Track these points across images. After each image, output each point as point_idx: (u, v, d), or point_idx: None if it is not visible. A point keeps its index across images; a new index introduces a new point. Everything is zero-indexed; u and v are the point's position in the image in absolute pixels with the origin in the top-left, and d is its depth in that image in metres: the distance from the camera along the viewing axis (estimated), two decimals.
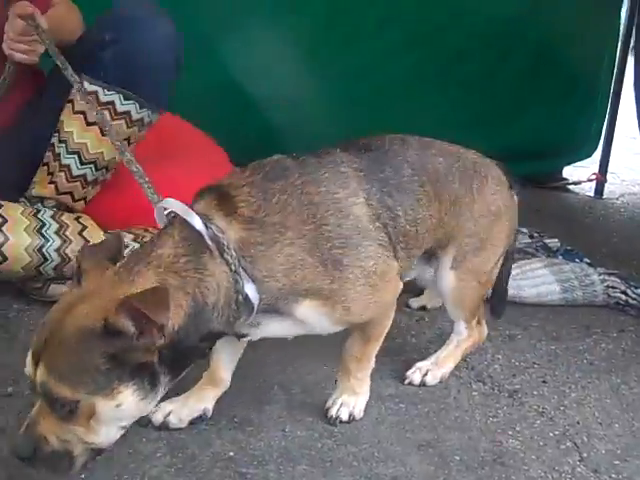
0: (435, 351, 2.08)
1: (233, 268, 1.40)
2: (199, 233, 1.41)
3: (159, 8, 2.24)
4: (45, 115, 2.28)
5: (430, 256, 1.85)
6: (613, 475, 1.60)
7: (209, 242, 1.40)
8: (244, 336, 1.55)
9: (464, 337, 1.98)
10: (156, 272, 1.36)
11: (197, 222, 1.41)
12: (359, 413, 1.73)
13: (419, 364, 1.97)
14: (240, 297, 1.42)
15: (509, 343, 2.20)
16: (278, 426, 1.69)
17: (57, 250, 2.14)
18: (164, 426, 1.64)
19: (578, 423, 1.79)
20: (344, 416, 1.72)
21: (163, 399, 1.64)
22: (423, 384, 1.92)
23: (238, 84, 3.36)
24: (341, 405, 1.73)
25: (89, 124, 2.19)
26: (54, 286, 2.20)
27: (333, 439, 1.65)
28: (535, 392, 1.93)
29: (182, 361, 1.40)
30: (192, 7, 3.01)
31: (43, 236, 2.12)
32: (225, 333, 1.47)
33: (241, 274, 1.41)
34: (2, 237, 2.05)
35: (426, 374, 1.93)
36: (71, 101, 2.21)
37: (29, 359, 1.32)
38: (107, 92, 2.17)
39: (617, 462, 1.64)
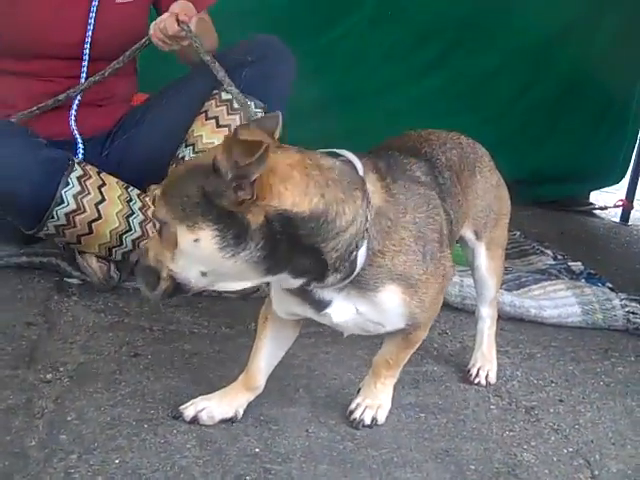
0: (457, 363, 2.16)
1: (367, 225, 1.46)
2: (361, 179, 1.47)
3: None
4: (153, 125, 2.55)
5: None
6: None
7: (366, 188, 1.46)
8: (324, 307, 1.55)
9: (490, 323, 2.11)
10: (305, 159, 1.42)
11: (360, 169, 1.48)
12: (382, 418, 1.79)
13: (476, 364, 2.08)
14: (354, 253, 1.46)
15: (528, 361, 2.26)
16: (302, 426, 1.75)
17: (140, 224, 2.32)
18: (194, 421, 1.70)
19: (592, 442, 1.84)
20: (367, 419, 1.78)
21: (196, 395, 1.76)
22: (489, 384, 2.05)
23: None
24: (365, 408, 1.79)
25: (219, 126, 2.39)
26: (86, 256, 2.35)
27: (355, 442, 1.71)
28: (551, 410, 1.98)
29: (282, 254, 1.41)
30: None
31: (130, 208, 2.31)
32: (313, 274, 1.47)
33: (367, 235, 1.47)
34: (100, 197, 2.24)
35: (487, 375, 2.06)
36: (204, 112, 2.43)
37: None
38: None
39: None
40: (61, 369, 1.88)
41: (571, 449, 1.80)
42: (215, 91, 2.43)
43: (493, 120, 3.81)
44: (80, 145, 2.48)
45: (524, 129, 3.90)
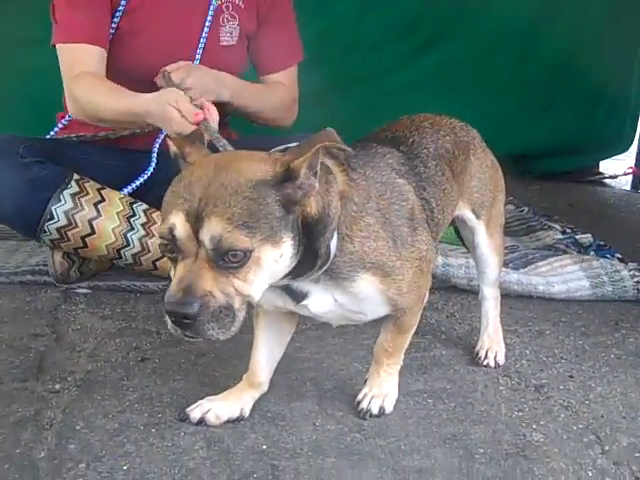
0: (465, 346, 2.17)
1: (337, 211, 1.47)
2: (327, 166, 1.47)
3: None
4: None
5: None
6: (634, 467, 1.63)
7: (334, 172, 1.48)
8: (302, 298, 1.56)
9: (494, 304, 2.12)
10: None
11: (331, 164, 1.50)
12: (389, 407, 1.80)
13: (483, 346, 2.09)
14: (329, 241, 1.47)
15: (538, 339, 2.25)
16: (309, 420, 1.76)
17: (140, 239, 2.36)
18: (201, 422, 1.71)
19: (602, 417, 1.83)
20: (375, 409, 1.78)
21: (203, 396, 1.78)
22: (497, 365, 2.06)
23: None
24: (372, 398, 1.80)
25: None
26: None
27: (362, 433, 1.72)
28: (561, 387, 1.97)
29: (302, 256, 1.42)
30: None
31: (130, 224, 2.34)
32: (311, 269, 1.47)
33: (336, 219, 1.47)
34: (95, 213, 2.30)
35: (496, 356, 2.07)
36: None
37: (181, 220, 1.33)
38: None
39: (638, 454, 1.68)
40: (69, 378, 1.90)
41: (581, 425, 1.79)
42: None
43: (493, 97, 3.79)
44: (154, 159, 2.50)
45: (524, 103, 3.88)
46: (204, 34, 2.48)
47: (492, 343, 2.09)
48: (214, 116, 2.04)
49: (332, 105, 3.54)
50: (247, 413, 1.75)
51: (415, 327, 1.78)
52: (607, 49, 3.93)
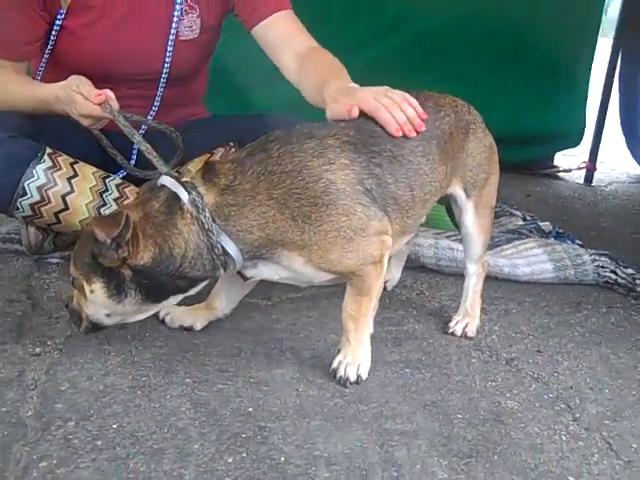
0: (436, 322, 2.22)
1: (206, 226, 1.70)
2: (180, 198, 1.72)
3: None
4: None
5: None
6: (604, 433, 1.71)
7: (187, 205, 1.71)
8: (246, 278, 1.85)
9: (475, 280, 2.18)
10: (140, 216, 1.72)
11: (181, 191, 1.73)
12: (365, 373, 1.84)
13: (457, 317, 2.18)
14: (217, 249, 1.71)
15: (505, 317, 2.32)
16: (292, 386, 1.79)
17: None
18: (163, 321, 2.06)
19: (571, 388, 1.91)
20: (352, 376, 1.82)
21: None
22: (465, 335, 2.15)
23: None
24: (347, 366, 1.84)
25: None
26: None
27: (344, 398, 1.76)
28: (530, 360, 2.04)
29: (158, 290, 1.76)
30: None
31: (103, 199, 2.30)
32: (206, 278, 1.79)
33: (214, 231, 1.71)
34: (69, 188, 2.25)
35: (466, 326, 2.15)
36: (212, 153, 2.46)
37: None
38: None
39: (607, 422, 1.76)
40: (49, 343, 1.89)
41: (552, 395, 1.86)
42: (231, 143, 2.44)
43: (451, 80, 3.85)
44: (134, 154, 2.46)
45: (478, 90, 3.93)
46: (172, 30, 2.37)
47: (466, 316, 2.16)
48: (114, 98, 2.05)
49: None
50: (198, 327, 2.04)
51: (375, 291, 1.83)
52: (554, 43, 4.02)
